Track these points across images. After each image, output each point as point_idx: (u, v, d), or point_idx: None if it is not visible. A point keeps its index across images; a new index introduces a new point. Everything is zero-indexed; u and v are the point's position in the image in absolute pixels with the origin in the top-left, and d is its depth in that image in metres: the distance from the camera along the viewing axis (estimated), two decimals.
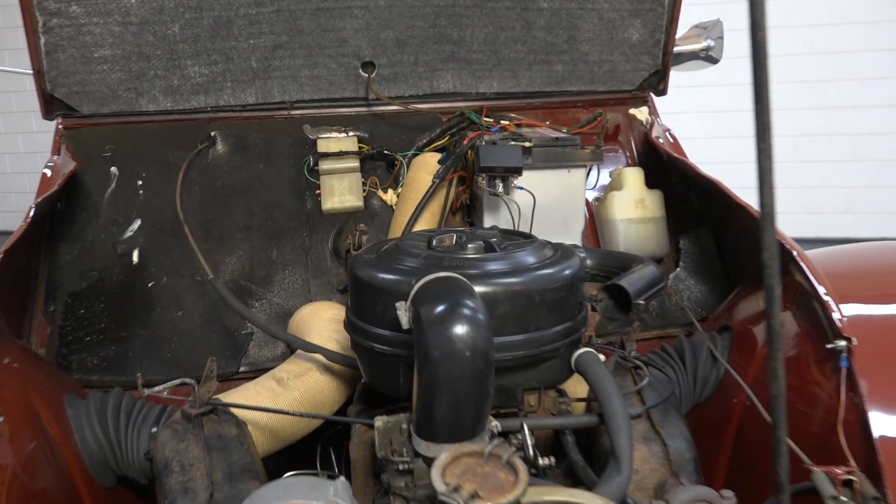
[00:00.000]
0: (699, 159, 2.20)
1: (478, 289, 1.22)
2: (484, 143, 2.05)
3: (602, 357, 1.38)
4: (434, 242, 1.43)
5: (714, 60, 2.72)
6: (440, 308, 1.14)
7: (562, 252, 1.43)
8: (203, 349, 2.05)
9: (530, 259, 1.37)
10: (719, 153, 6.12)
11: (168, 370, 2.00)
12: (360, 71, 2.38)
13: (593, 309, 1.47)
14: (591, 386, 1.32)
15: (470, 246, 1.40)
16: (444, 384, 1.12)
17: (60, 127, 2.33)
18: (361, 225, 2.19)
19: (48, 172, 2.22)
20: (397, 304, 1.21)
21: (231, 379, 2.04)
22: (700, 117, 6.17)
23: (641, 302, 1.42)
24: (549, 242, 1.50)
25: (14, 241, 1.73)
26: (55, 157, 2.29)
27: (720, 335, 1.79)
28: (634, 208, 2.22)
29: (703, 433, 1.60)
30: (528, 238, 1.51)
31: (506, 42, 2.36)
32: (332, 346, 1.77)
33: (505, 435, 1.28)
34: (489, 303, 1.21)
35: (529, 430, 1.28)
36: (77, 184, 2.22)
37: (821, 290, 1.44)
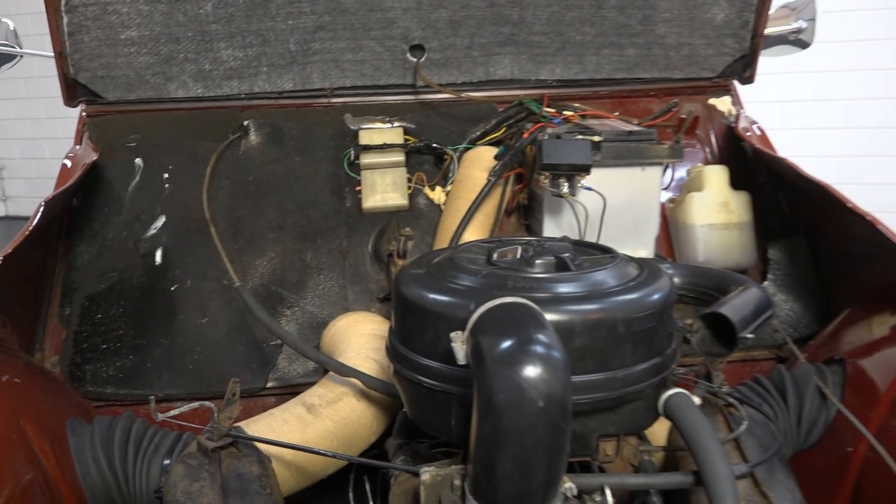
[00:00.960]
0: None
1: (549, 317, 0.99)
2: (547, 137, 1.80)
3: (696, 400, 1.13)
4: (495, 256, 1.20)
5: (804, 45, 2.43)
6: (507, 343, 0.91)
7: (648, 271, 1.18)
8: (228, 361, 1.85)
9: (611, 280, 1.13)
10: (786, 147, 5.74)
11: (189, 383, 1.81)
12: (409, 55, 2.16)
13: (686, 341, 1.22)
14: (684, 437, 1.08)
15: (538, 262, 1.16)
16: (510, 438, 0.89)
17: (84, 114, 2.16)
18: (407, 229, 1.95)
19: (68, 163, 2.04)
20: (452, 335, 0.98)
21: (258, 395, 1.83)
22: (768, 108, 5.79)
23: (749, 336, 1.16)
24: (631, 258, 1.25)
25: (17, 245, 1.54)
26: (77, 147, 2.11)
27: (829, 368, 1.51)
28: (717, 212, 1.94)
29: (805, 486, 1.33)
30: (605, 252, 1.26)
31: (572, 23, 2.10)
32: (370, 366, 1.54)
33: (580, 496, 1.04)
34: (564, 335, 0.97)
35: (612, 492, 1.04)
36: (98, 176, 2.04)
37: None
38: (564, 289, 1.09)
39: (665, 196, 2.12)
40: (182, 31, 2.06)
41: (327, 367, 1.55)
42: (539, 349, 0.90)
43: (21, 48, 2.65)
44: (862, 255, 1.63)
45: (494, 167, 1.87)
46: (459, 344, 0.97)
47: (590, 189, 1.77)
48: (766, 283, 1.93)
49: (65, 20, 1.98)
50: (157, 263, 1.98)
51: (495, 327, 0.95)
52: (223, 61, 2.12)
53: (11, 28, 2.62)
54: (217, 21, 2.05)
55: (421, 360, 1.12)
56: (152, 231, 2.02)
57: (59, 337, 1.83)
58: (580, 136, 1.81)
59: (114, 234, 2.00)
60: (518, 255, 1.19)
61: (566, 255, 1.17)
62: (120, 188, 2.06)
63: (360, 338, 1.67)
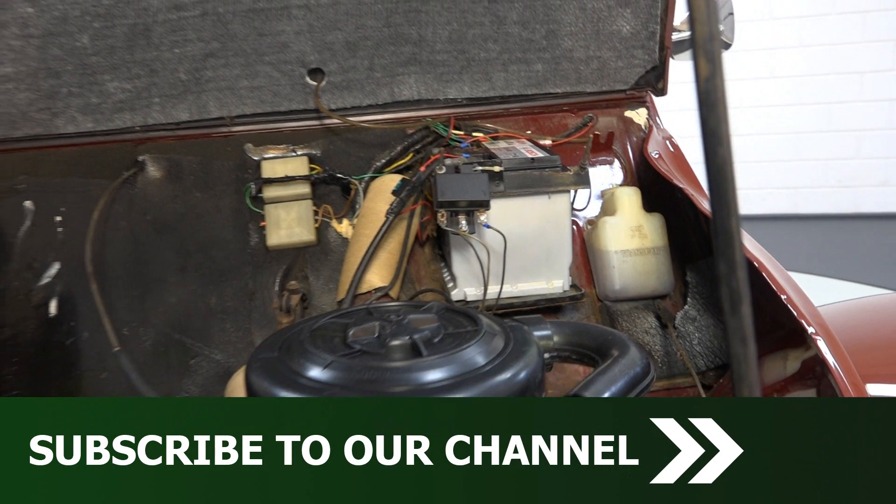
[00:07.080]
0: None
1: None
2: (444, 171, 1.71)
3: None
4: (350, 335, 1.11)
5: (724, 46, 2.33)
6: None
7: (514, 342, 1.10)
8: None
9: (475, 359, 1.05)
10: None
11: None
12: (308, 79, 2.05)
13: None
14: None
15: (394, 344, 1.07)
16: None
17: None
18: (293, 282, 1.85)
19: None
20: None
21: None
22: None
23: None
24: (500, 324, 1.17)
25: None
26: None
27: None
28: (630, 237, 1.87)
29: None
30: (470, 320, 1.17)
31: (474, 40, 2.00)
32: None
33: None
34: None
35: None
36: None
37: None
38: (425, 377, 1.01)
39: (586, 214, 2.04)
40: (61, 65, 1.93)
41: None
42: None
43: None
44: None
45: (392, 203, 1.78)
46: None
47: (489, 227, 1.69)
48: (686, 307, 1.87)
49: None
50: (51, 315, 1.88)
51: None
52: (110, 94, 2.00)
53: None
54: (97, 53, 1.92)
55: None
56: (45, 280, 1.91)
57: None
58: (479, 168, 1.72)
59: (4, 286, 1.89)
60: (376, 334, 1.11)
61: (425, 334, 1.09)
62: (9, 234, 1.95)
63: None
